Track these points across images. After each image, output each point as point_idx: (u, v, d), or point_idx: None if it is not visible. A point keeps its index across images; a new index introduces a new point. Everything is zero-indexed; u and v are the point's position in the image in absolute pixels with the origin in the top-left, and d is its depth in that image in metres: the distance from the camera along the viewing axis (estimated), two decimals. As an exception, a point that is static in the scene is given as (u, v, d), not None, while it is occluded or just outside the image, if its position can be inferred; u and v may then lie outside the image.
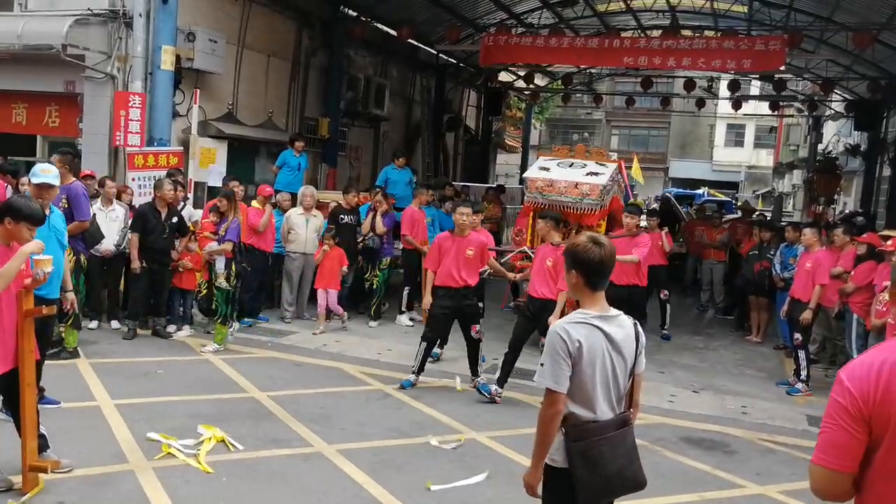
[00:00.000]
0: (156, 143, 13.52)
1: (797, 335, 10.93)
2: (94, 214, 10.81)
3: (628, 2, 23.06)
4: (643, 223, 13.53)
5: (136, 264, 11.15)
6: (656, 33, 22.26)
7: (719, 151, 64.20)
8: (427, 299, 9.93)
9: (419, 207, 13.84)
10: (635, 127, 66.39)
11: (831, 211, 28.37)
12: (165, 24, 13.44)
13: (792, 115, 42.81)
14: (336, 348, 11.58)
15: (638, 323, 4.34)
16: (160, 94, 13.60)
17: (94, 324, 11.60)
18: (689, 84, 27.43)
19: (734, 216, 21.68)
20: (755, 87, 37.75)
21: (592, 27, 24.50)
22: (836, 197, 30.44)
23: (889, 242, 9.96)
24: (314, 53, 19.41)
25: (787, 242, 13.45)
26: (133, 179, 13.07)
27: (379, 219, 13.33)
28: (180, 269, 11.69)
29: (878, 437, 2.70)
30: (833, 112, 32.44)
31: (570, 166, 11.78)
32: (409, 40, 21.78)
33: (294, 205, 13.45)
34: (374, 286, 13.53)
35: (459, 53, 26.56)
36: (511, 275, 11.20)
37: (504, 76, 31.69)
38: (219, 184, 13.44)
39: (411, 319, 13.65)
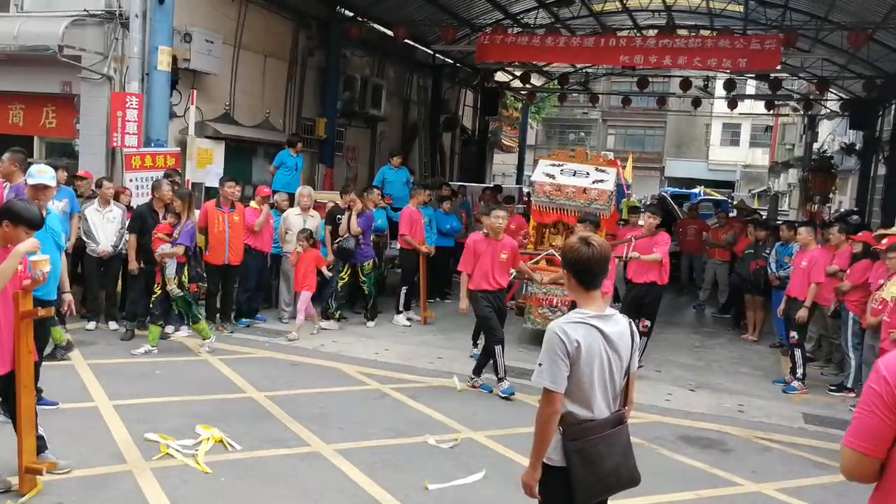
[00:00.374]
0: (153, 144, 13.51)
1: (793, 333, 10.97)
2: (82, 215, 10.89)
3: (624, 1, 23.10)
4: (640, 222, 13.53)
5: (133, 265, 11.19)
6: (652, 33, 22.27)
7: (715, 151, 64.26)
8: (464, 303, 9.99)
9: (417, 207, 13.87)
10: (631, 126, 66.43)
11: (827, 210, 28.39)
12: (162, 24, 13.44)
13: (787, 115, 42.82)
14: (333, 348, 11.60)
15: (632, 322, 4.36)
16: (157, 94, 13.59)
17: (91, 325, 11.62)
18: (685, 83, 27.46)
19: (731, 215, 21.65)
20: (751, 87, 37.83)
21: (589, 27, 24.52)
22: (831, 196, 30.45)
23: (884, 241, 9.99)
24: (311, 54, 19.42)
25: (783, 241, 13.49)
26: (130, 180, 13.07)
27: (354, 219, 12.89)
28: None
29: None
30: (828, 111, 32.48)
31: (574, 174, 11.83)
32: (406, 40, 21.83)
33: (292, 205, 13.47)
34: (366, 291, 13.26)
35: (456, 53, 26.60)
36: (538, 276, 11.22)
37: (500, 76, 31.69)
38: (216, 184, 13.45)
39: (408, 319, 13.68)
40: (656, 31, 22.02)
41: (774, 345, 13.83)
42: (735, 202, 31.68)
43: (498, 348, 9.78)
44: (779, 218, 28.20)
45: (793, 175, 43.35)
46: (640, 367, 10.75)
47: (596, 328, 4.10)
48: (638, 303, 11.05)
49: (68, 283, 8.25)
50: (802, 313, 10.80)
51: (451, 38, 22.27)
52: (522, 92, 33.33)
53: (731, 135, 63.97)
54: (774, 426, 9.35)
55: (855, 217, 21.81)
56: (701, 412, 9.69)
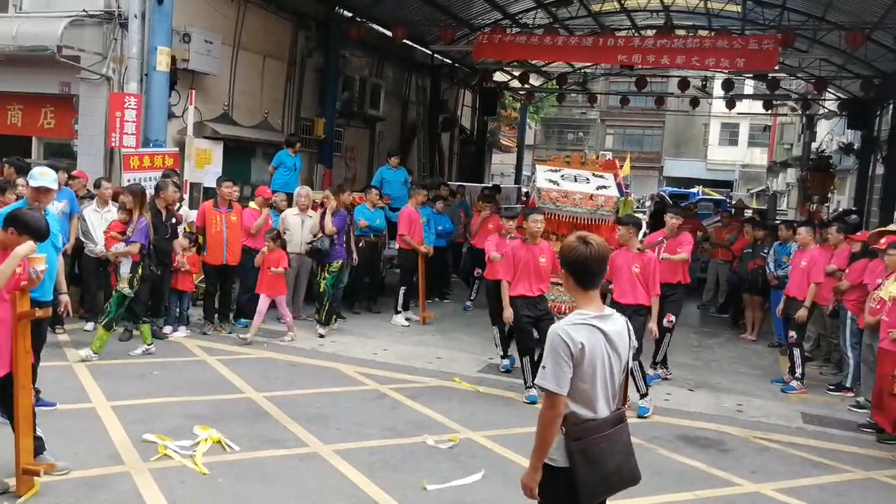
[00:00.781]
0: (151, 145, 13.51)
1: (792, 333, 10.96)
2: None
3: (622, 1, 23.09)
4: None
5: None
6: (650, 33, 22.27)
7: (713, 150, 64.32)
8: (508, 312, 9.79)
9: (416, 207, 13.87)
10: (630, 126, 66.51)
11: (825, 209, 28.40)
12: (161, 24, 13.44)
13: (786, 114, 42.83)
14: (332, 348, 11.60)
15: (628, 320, 4.38)
16: (156, 95, 13.59)
17: (89, 325, 11.61)
18: (684, 83, 27.48)
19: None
20: (749, 87, 37.84)
21: (587, 27, 24.52)
22: (829, 195, 30.45)
23: (883, 240, 9.99)
24: (310, 54, 19.42)
25: (781, 240, 13.49)
26: (129, 181, 13.03)
27: (329, 218, 12.54)
28: (183, 270, 11.68)
29: None
30: (826, 111, 32.47)
31: (575, 179, 11.81)
32: (405, 41, 21.82)
33: (290, 205, 13.46)
34: (321, 289, 12.58)
35: (454, 54, 26.60)
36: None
37: (499, 76, 31.69)
38: (214, 185, 13.45)
39: (407, 319, 13.67)
40: (654, 31, 22.03)
41: (773, 344, 13.84)
42: (733, 202, 31.71)
43: (525, 360, 9.74)
44: (777, 217, 28.21)
45: (791, 175, 43.32)
46: (654, 364, 10.87)
47: (598, 329, 4.10)
48: (663, 301, 10.84)
49: (65, 284, 8.25)
50: (802, 313, 10.79)
51: (449, 39, 22.29)
52: (521, 92, 33.32)
53: (730, 134, 64.03)
54: (773, 426, 9.34)
55: (853, 216, 21.79)
56: (699, 412, 9.69)
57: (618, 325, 4.22)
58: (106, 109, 13.80)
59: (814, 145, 35.36)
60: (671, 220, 11.45)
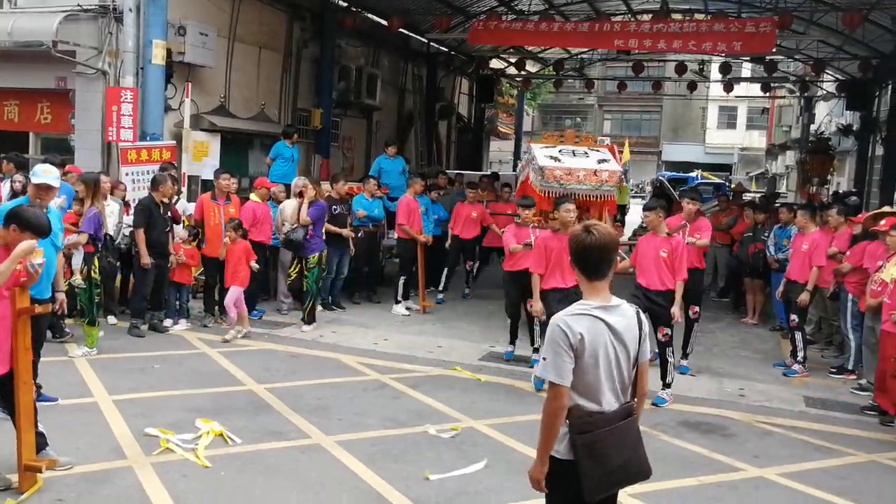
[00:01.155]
0: (148, 138, 13.50)
1: (794, 316, 10.92)
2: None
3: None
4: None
5: (146, 260, 11.02)
6: (647, 17, 22.19)
7: (712, 134, 64.33)
8: (538, 306, 9.61)
9: (414, 196, 13.83)
10: (628, 111, 66.53)
11: (825, 191, 28.36)
12: (156, 18, 13.42)
13: (784, 97, 42.79)
14: (332, 339, 11.59)
15: (640, 312, 4.26)
16: (152, 88, 13.59)
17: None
18: (681, 67, 27.39)
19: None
20: (746, 69, 37.71)
21: (583, 13, 24.46)
22: (829, 177, 30.41)
23: (883, 222, 9.96)
24: (305, 45, 19.36)
25: (781, 224, 13.45)
26: (126, 174, 13.04)
27: (305, 207, 12.06)
28: (178, 263, 11.66)
29: None
30: (825, 92, 32.41)
31: (573, 154, 11.69)
32: (400, 29, 21.75)
33: (289, 196, 13.42)
34: (305, 288, 12.20)
35: (450, 41, 26.53)
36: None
37: (495, 63, 31.63)
38: (212, 177, 13.43)
39: (407, 309, 13.66)
40: (651, 15, 21.96)
41: (774, 328, 13.82)
42: (732, 185, 31.67)
43: None
44: (777, 200, 28.19)
45: (790, 157, 43.28)
46: (685, 355, 10.79)
47: (600, 319, 4.02)
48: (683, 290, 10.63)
49: (63, 282, 8.23)
50: (804, 297, 10.74)
51: (445, 27, 22.21)
52: (518, 79, 33.23)
53: (728, 118, 64.03)
54: (775, 410, 9.34)
55: (853, 198, 21.75)
56: (702, 397, 9.68)
57: (626, 317, 4.13)
58: (102, 104, 13.76)
59: (812, 127, 35.30)
60: (688, 205, 11.21)
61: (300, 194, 12.40)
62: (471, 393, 9.37)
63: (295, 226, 12.16)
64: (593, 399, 4.04)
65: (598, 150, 11.98)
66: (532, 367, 10.37)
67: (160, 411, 8.02)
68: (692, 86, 30.38)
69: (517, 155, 38.48)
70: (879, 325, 9.19)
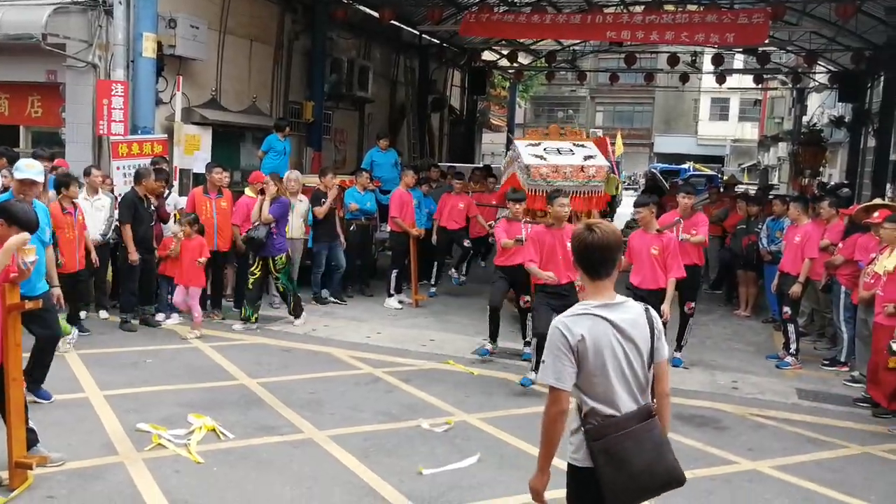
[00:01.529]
0: (139, 132, 13.43)
1: (786, 309, 10.93)
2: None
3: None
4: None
5: (134, 256, 10.98)
6: (639, 9, 22.14)
7: (704, 126, 64.38)
8: (544, 275, 9.14)
9: (406, 189, 13.80)
10: (620, 103, 66.52)
11: (817, 183, 28.39)
12: (146, 10, 13.35)
13: (776, 88, 42.83)
14: (325, 333, 11.57)
15: (649, 308, 4.08)
16: (143, 81, 13.51)
17: (81, 314, 11.54)
18: (673, 59, 27.37)
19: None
20: (739, 61, 37.76)
21: (575, 4, 24.36)
22: (821, 169, 30.43)
23: (877, 214, 9.95)
24: (297, 37, 19.31)
25: (774, 216, 13.45)
26: (118, 168, 12.97)
27: (266, 205, 11.48)
28: (169, 256, 11.60)
29: None
30: (817, 84, 32.46)
31: (558, 152, 11.61)
32: (392, 21, 21.69)
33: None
34: (282, 289, 12.02)
35: (442, 34, 26.44)
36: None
37: (487, 55, 31.58)
38: (203, 171, 13.39)
39: (400, 302, 13.64)
40: (643, 6, 21.91)
41: (767, 320, 13.81)
42: (725, 177, 31.70)
43: (535, 341, 9.21)
44: (771, 193, 28.21)
45: (783, 149, 43.35)
46: (679, 348, 10.77)
47: (602, 318, 3.87)
48: (680, 285, 10.58)
49: (56, 276, 8.20)
50: (796, 289, 10.75)
51: (437, 19, 22.17)
52: (510, 71, 33.23)
53: (720, 109, 64.09)
54: (768, 402, 9.34)
55: (845, 190, 21.75)
56: (695, 390, 9.67)
57: (631, 313, 3.97)
58: (93, 97, 13.70)
59: (805, 119, 35.36)
60: (683, 199, 11.14)
61: (262, 191, 11.77)
62: (464, 387, 9.35)
63: (256, 224, 11.52)
64: (607, 402, 3.89)
65: (583, 146, 11.88)
66: (525, 360, 10.36)
67: (152, 406, 7.99)
68: (684, 77, 30.37)
69: (510, 147, 38.45)
70: (872, 317, 9.20)
